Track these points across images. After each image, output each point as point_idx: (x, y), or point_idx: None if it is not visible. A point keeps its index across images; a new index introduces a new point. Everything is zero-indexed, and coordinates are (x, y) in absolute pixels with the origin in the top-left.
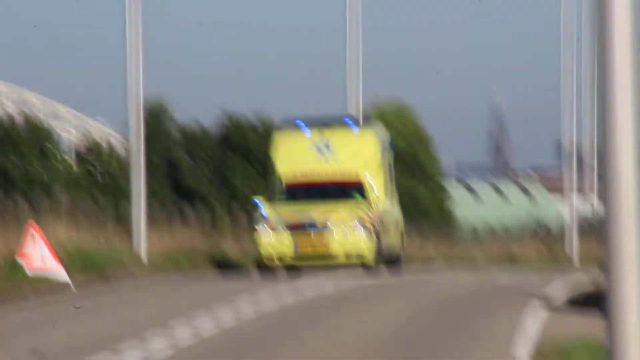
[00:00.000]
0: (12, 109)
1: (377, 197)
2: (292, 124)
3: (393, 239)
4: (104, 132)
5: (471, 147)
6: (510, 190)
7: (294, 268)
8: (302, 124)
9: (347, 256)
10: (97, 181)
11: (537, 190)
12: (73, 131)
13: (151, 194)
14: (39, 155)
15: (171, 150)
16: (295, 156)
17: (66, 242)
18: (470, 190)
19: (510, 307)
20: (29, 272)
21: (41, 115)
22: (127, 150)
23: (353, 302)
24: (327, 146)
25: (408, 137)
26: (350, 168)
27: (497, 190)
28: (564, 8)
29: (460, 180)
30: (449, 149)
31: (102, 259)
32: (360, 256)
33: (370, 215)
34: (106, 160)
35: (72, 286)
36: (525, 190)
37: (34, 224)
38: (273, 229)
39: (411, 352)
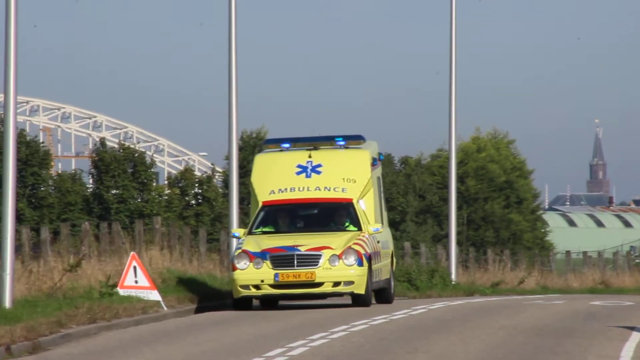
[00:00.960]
0: (114, 142)
1: (367, 219)
2: (274, 145)
3: (383, 265)
4: (204, 165)
5: (570, 176)
6: (609, 219)
7: (271, 299)
8: (285, 144)
9: (335, 284)
10: (192, 209)
11: (636, 221)
12: (172, 164)
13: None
14: (138, 185)
15: None
16: (276, 179)
17: (162, 267)
18: (567, 218)
19: (605, 334)
20: (120, 291)
21: (138, 147)
22: (225, 182)
23: (454, 322)
24: (314, 167)
25: (505, 166)
26: (338, 189)
27: (595, 219)
28: None
29: (557, 209)
30: (548, 179)
31: (195, 283)
32: (349, 284)
33: (361, 238)
34: (204, 190)
35: (163, 305)
36: (623, 221)
37: (136, 255)
38: (250, 255)
39: None
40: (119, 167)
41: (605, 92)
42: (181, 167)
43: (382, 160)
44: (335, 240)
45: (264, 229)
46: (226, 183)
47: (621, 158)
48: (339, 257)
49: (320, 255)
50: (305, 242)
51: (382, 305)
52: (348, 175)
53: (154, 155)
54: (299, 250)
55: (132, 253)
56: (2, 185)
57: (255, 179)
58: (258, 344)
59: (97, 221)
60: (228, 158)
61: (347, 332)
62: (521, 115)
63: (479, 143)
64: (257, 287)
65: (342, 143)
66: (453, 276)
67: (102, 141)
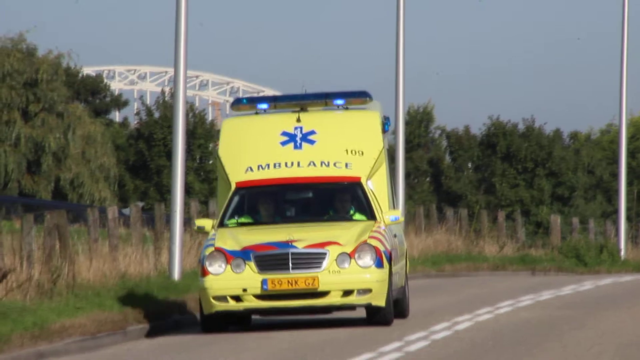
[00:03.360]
0: None
1: (379, 205)
2: (247, 106)
3: (400, 268)
4: None
5: None
6: None
7: (254, 313)
8: (263, 104)
9: (346, 294)
10: None
11: None
12: None
13: (411, 196)
14: None
15: (435, 155)
16: (254, 151)
17: None
18: None
19: None
20: None
21: None
22: (392, 156)
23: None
24: (305, 135)
25: None
26: (341, 164)
27: None
28: None
29: None
30: None
31: None
32: (365, 293)
33: (378, 231)
34: None
35: None
36: None
37: None
38: (227, 255)
39: None
40: None
41: None
42: None
43: (389, 128)
44: (343, 234)
45: (240, 220)
46: (392, 157)
47: None
48: (351, 256)
49: (324, 253)
50: (301, 236)
51: (549, 280)
52: (353, 146)
53: None
54: (295, 248)
55: None
56: (171, 158)
57: (225, 152)
58: (423, 317)
59: None
60: (395, 133)
61: (513, 308)
62: None
63: None
64: (237, 298)
65: (341, 102)
66: (622, 252)
67: None
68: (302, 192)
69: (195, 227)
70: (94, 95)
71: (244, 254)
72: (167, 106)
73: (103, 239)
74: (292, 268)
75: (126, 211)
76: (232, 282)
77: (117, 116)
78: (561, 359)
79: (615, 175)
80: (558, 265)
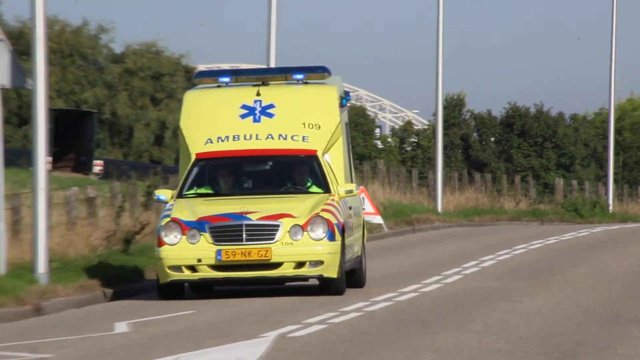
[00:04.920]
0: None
1: (335, 177)
2: (209, 79)
3: (355, 239)
4: (417, 120)
5: None
6: None
7: (209, 284)
8: (224, 77)
9: (298, 265)
10: (408, 154)
11: None
12: (392, 119)
13: (447, 163)
14: (363, 136)
15: (466, 132)
16: (213, 124)
17: (382, 198)
18: None
19: None
20: None
21: (368, 106)
22: (433, 133)
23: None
24: (264, 108)
25: None
26: (298, 137)
27: None
28: None
29: None
30: None
31: (408, 210)
32: (317, 265)
33: (331, 203)
34: (416, 140)
35: (384, 227)
36: None
37: (364, 188)
38: (182, 226)
39: None
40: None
41: None
42: (399, 122)
43: (349, 102)
44: (296, 206)
45: (199, 191)
46: (434, 134)
47: None
48: (303, 228)
49: (277, 225)
50: (256, 208)
51: (554, 229)
52: (310, 120)
53: (378, 112)
54: (248, 219)
55: (360, 187)
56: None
57: (186, 123)
58: (457, 258)
59: None
60: (435, 115)
61: (526, 249)
62: None
63: (634, 103)
64: (192, 268)
65: (300, 77)
66: (610, 207)
67: None
68: (259, 165)
69: (155, 198)
70: None
71: (199, 225)
72: None
73: None
74: (246, 239)
75: None
76: (187, 252)
77: None
78: (564, 286)
79: (605, 148)
80: (561, 217)
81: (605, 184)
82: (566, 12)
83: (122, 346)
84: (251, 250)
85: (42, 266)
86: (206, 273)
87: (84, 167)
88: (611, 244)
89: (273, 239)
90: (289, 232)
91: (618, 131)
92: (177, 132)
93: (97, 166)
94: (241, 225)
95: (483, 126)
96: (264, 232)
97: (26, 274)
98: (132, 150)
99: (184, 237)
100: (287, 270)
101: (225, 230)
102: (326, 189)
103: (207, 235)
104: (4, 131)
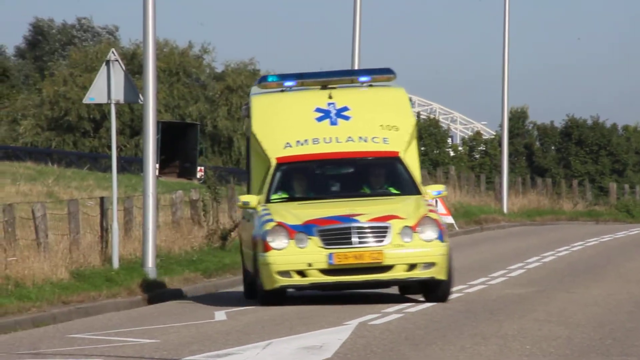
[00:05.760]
0: (422, 115)
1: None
2: (274, 83)
3: None
4: (484, 130)
5: None
6: None
7: (319, 289)
8: (289, 81)
9: (410, 268)
10: (477, 161)
11: None
12: (463, 129)
13: (512, 169)
14: (436, 144)
15: (529, 141)
16: (290, 127)
17: (454, 200)
18: None
19: None
20: None
21: (441, 118)
22: (499, 142)
23: None
24: (338, 111)
25: None
26: (378, 139)
27: None
28: None
29: None
30: None
31: (477, 211)
32: (429, 267)
33: (433, 206)
34: (484, 148)
35: (455, 226)
36: None
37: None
38: (289, 230)
39: None
40: (424, 131)
41: None
42: (469, 132)
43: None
44: (401, 207)
45: (284, 195)
46: (500, 143)
47: None
48: (413, 229)
49: (387, 227)
50: (362, 210)
51: (608, 228)
52: (387, 121)
53: (450, 123)
54: (357, 222)
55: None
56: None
57: (259, 128)
58: (520, 254)
59: None
60: (501, 126)
61: (583, 246)
62: None
63: None
64: (301, 273)
65: (366, 79)
66: None
67: (417, 114)
68: (344, 167)
69: (240, 203)
70: None
71: (306, 229)
72: None
73: None
74: (357, 242)
75: None
76: (296, 257)
77: None
78: (618, 279)
79: None
80: (614, 217)
81: None
82: (615, 34)
83: (221, 332)
84: (363, 253)
85: (150, 261)
86: (316, 278)
87: (188, 172)
88: None
89: (383, 241)
90: (399, 233)
91: None
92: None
93: (200, 172)
94: (350, 228)
95: (545, 136)
96: (374, 234)
97: (137, 268)
98: (231, 158)
99: (292, 241)
100: (398, 273)
101: (335, 233)
102: (416, 191)
103: (316, 238)
104: (118, 141)
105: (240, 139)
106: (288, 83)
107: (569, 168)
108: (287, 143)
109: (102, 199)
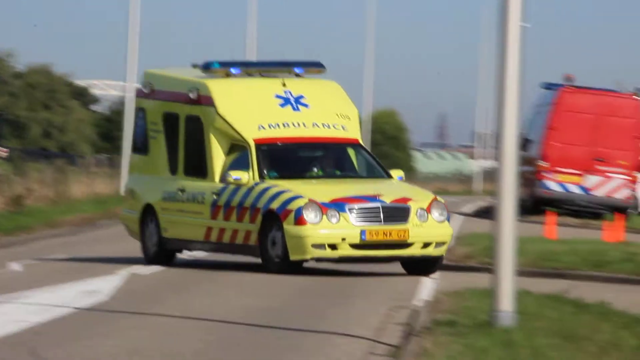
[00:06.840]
0: None
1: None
2: (220, 69)
3: None
4: None
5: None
6: (447, 156)
7: (346, 261)
8: (234, 69)
9: (425, 245)
10: None
11: (462, 156)
12: None
13: None
14: None
15: None
16: (258, 111)
17: None
18: (425, 155)
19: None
20: None
21: None
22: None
23: None
24: (296, 99)
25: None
26: (338, 126)
27: (440, 155)
28: None
29: (419, 150)
30: (415, 131)
31: None
32: (440, 246)
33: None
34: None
35: None
36: (455, 156)
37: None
38: (320, 206)
39: None
40: None
41: None
42: None
43: None
44: (404, 190)
45: (272, 173)
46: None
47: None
48: (427, 211)
49: (408, 208)
50: (381, 191)
51: None
52: (340, 110)
53: None
54: (383, 202)
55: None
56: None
57: (227, 110)
58: None
59: None
60: None
61: None
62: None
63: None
64: (333, 246)
65: (299, 71)
66: None
67: None
68: (318, 150)
69: (232, 179)
70: None
71: (337, 206)
72: None
73: None
74: (384, 220)
75: None
76: (331, 231)
77: None
78: None
79: None
80: None
81: None
82: None
83: (13, 279)
84: (391, 230)
85: None
86: (346, 251)
87: None
88: None
89: (406, 220)
90: (416, 214)
91: None
92: (70, 127)
93: (3, 152)
94: (379, 208)
95: None
96: (399, 214)
97: None
98: (27, 141)
99: (325, 216)
100: (415, 250)
101: (366, 212)
102: (388, 175)
103: (347, 215)
104: None
105: (35, 125)
106: (234, 70)
107: None
108: (260, 125)
109: None
